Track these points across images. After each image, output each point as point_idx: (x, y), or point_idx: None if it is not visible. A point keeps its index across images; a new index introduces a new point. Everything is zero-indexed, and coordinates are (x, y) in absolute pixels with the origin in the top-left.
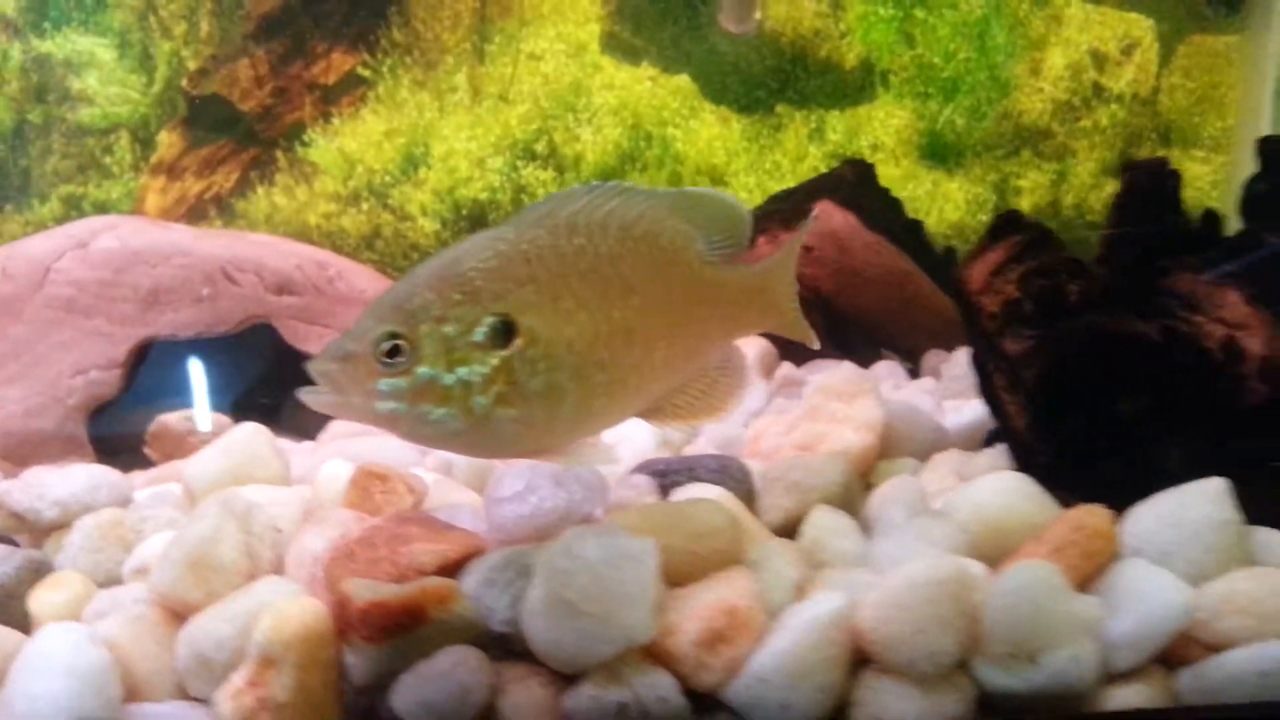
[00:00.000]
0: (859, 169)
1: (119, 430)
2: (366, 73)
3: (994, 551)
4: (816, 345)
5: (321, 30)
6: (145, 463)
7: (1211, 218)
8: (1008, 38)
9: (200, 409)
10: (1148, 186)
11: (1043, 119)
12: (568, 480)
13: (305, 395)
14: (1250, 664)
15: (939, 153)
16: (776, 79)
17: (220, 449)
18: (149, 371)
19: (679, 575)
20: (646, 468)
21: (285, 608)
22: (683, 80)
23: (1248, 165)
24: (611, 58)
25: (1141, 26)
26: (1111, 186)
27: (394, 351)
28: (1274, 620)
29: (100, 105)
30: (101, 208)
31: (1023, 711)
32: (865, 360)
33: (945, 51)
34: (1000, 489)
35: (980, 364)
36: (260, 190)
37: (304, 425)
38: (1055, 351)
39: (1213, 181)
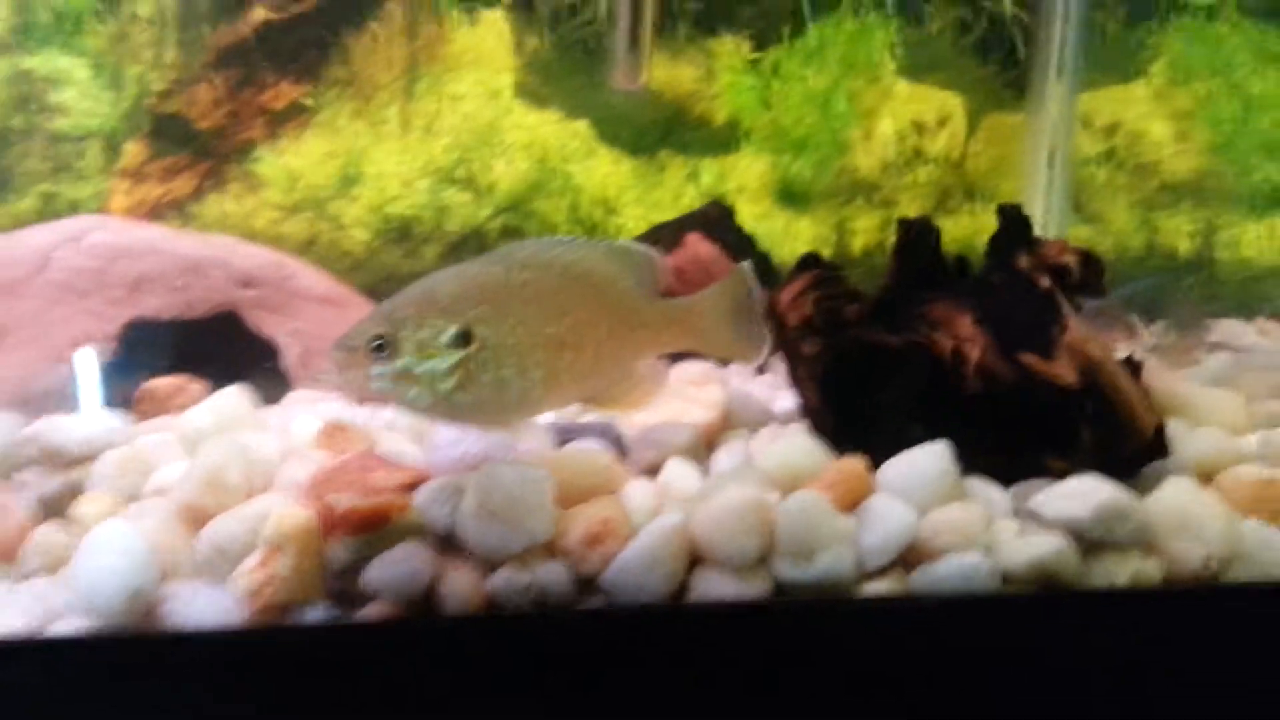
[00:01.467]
0: (720, 209)
1: (110, 392)
2: (310, 102)
3: (788, 486)
4: (752, 363)
5: (272, 63)
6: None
7: (962, 261)
8: (848, 107)
9: (182, 379)
10: (915, 238)
11: (873, 174)
12: (488, 435)
13: (322, 377)
14: (958, 567)
15: (791, 197)
16: (660, 129)
17: (210, 406)
18: (134, 345)
19: (570, 499)
20: (547, 428)
21: (286, 511)
22: (582, 125)
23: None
24: (523, 102)
25: (953, 103)
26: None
27: (381, 348)
28: (973, 540)
29: (75, 116)
30: (73, 205)
31: (805, 595)
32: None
33: (797, 115)
34: (795, 446)
35: (789, 361)
36: (213, 197)
37: (267, 394)
38: (836, 354)
39: None
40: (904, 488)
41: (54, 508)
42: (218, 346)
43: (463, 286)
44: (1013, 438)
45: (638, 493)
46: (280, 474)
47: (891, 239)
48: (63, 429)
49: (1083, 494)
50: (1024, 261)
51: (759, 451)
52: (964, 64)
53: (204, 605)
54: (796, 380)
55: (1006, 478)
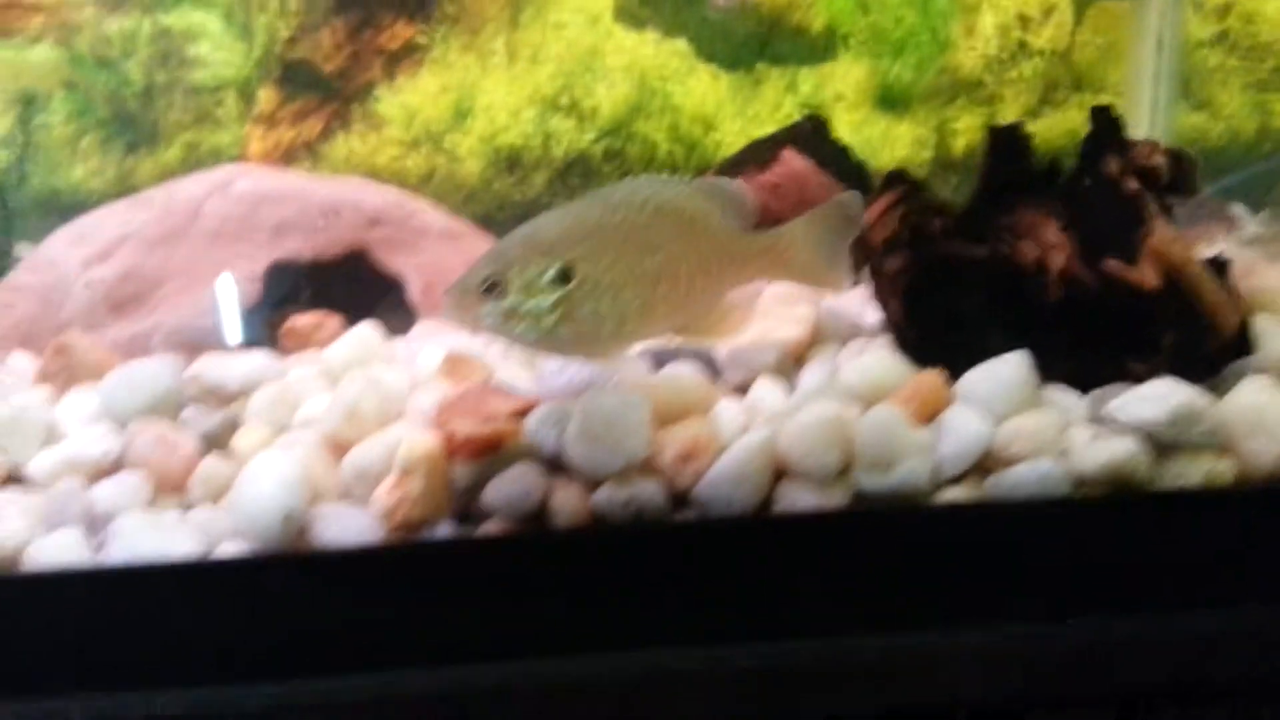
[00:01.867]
0: (815, 123)
1: (259, 330)
2: (423, 40)
3: (870, 400)
4: (840, 291)
5: (387, 4)
6: (280, 352)
7: (1054, 166)
8: (947, 4)
9: (320, 315)
10: (1004, 146)
11: (976, 71)
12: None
13: (442, 314)
14: (1031, 474)
15: (890, 102)
16: (757, 42)
17: (346, 341)
18: (278, 284)
19: (665, 418)
20: (644, 353)
21: (415, 438)
22: (680, 44)
23: (1135, 105)
24: (622, 25)
25: None
26: (1033, 126)
27: (491, 289)
28: (1047, 446)
29: (211, 68)
30: (215, 152)
31: (885, 503)
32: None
33: (895, 17)
34: (876, 361)
35: (874, 279)
36: (340, 138)
37: (395, 327)
38: (919, 268)
39: None
40: (981, 398)
41: (216, 441)
42: (351, 283)
43: (563, 228)
44: (1094, 343)
45: (727, 411)
46: (409, 404)
47: None
48: (220, 368)
49: (1157, 397)
50: (1113, 165)
51: (844, 367)
52: None
53: (348, 525)
54: (881, 297)
55: (1086, 384)
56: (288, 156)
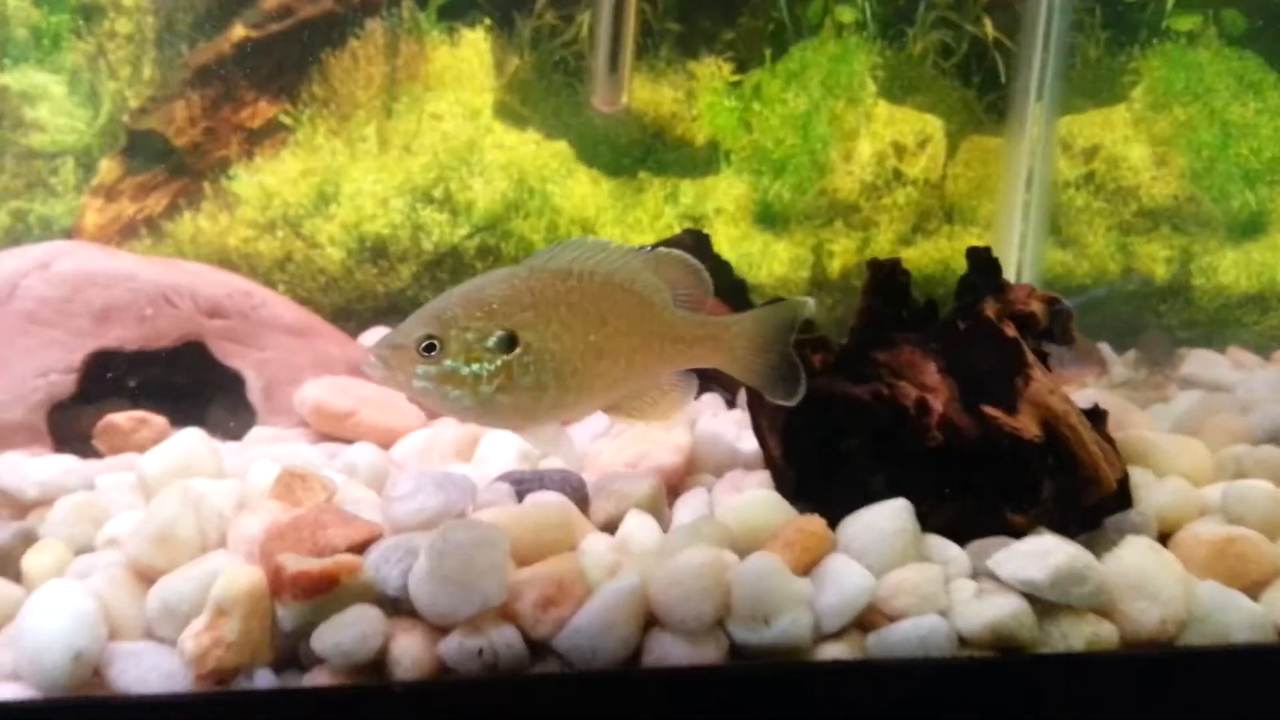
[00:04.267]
0: (697, 236)
1: (73, 424)
2: (288, 120)
3: (747, 545)
4: (780, 400)
5: (250, 81)
6: (94, 453)
7: (930, 305)
8: (827, 129)
9: (143, 413)
10: (885, 280)
11: (852, 196)
12: (447, 485)
13: (367, 368)
14: (914, 630)
15: (769, 219)
16: (639, 150)
17: (168, 448)
18: (98, 377)
19: (525, 557)
20: (507, 477)
21: (235, 571)
22: (561, 146)
23: (1004, 240)
24: (502, 122)
25: (933, 125)
26: (905, 253)
27: (429, 348)
28: (930, 600)
29: (50, 133)
30: (46, 222)
31: (761, 659)
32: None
33: (776, 138)
34: (755, 501)
35: (752, 410)
36: (187, 215)
37: (229, 429)
38: (799, 404)
39: None
40: (862, 547)
41: (6, 558)
42: (183, 378)
43: (511, 290)
44: (973, 492)
45: (595, 548)
46: (235, 528)
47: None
48: (18, 471)
49: (1040, 554)
50: (990, 309)
51: (720, 504)
52: (945, 86)
53: (150, 668)
54: (759, 430)
55: (966, 534)
56: (127, 231)
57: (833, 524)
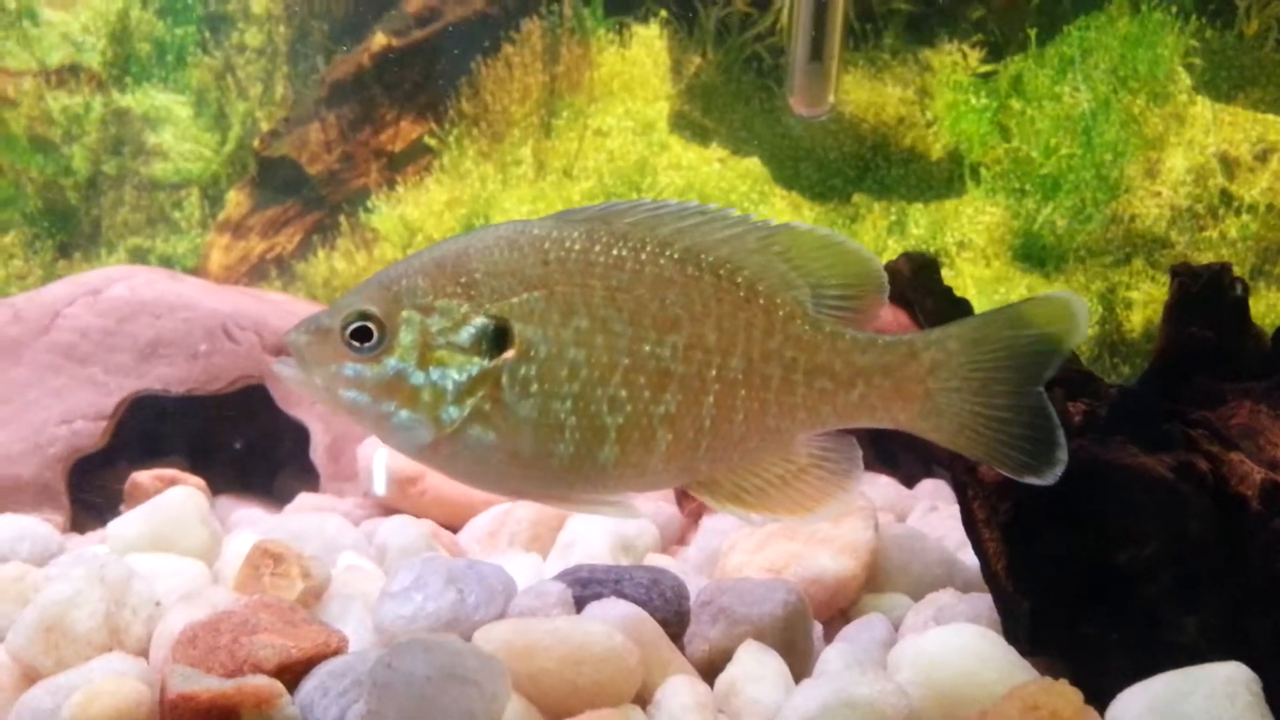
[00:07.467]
0: (916, 263)
1: (104, 482)
2: (433, 142)
3: (942, 716)
4: (1027, 477)
5: (392, 98)
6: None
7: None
8: (1118, 134)
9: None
10: (1199, 295)
11: (1159, 226)
12: (465, 579)
13: (277, 366)
14: None
15: (1035, 255)
16: (854, 166)
17: (145, 512)
18: (135, 425)
19: (554, 705)
20: (566, 575)
21: (99, 688)
22: (753, 163)
23: None
24: (680, 137)
25: (1277, 130)
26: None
27: (363, 334)
28: None
29: (173, 160)
30: (166, 261)
31: None
32: (910, 476)
33: (1045, 146)
34: (952, 646)
35: (960, 489)
36: (321, 254)
37: (285, 493)
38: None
39: None
40: None
41: None
42: (237, 429)
43: (510, 256)
44: None
45: (676, 701)
46: (166, 621)
47: None
48: None
49: None
50: None
51: (906, 643)
52: None
53: None
54: (973, 523)
55: None
56: (255, 273)
57: (1096, 697)
